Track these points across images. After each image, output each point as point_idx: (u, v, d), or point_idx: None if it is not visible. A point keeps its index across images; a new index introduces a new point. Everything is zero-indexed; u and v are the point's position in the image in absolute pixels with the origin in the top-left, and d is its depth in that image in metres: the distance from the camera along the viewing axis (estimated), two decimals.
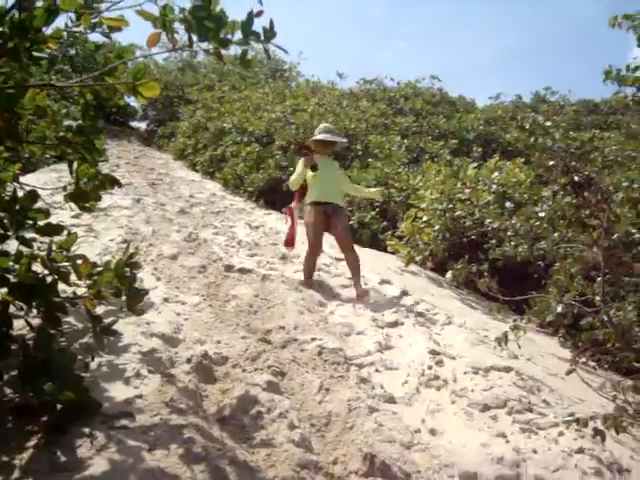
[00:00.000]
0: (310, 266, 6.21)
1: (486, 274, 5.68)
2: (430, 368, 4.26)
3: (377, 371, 4.16)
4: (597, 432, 3.29)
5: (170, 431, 2.82)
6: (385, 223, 9.61)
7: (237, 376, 3.72)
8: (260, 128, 13.75)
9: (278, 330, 4.52)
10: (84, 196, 3.17)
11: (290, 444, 3.03)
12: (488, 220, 6.90)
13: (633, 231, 4.59)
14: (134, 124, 25.52)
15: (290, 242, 6.55)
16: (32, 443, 2.60)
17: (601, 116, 19.34)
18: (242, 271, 6.14)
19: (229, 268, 6.18)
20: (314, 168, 6.11)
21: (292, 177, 6.40)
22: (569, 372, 4.09)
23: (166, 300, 4.82)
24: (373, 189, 7.14)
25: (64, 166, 10.04)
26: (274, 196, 11.49)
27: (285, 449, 2.98)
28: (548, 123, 5.99)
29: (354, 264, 6.10)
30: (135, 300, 3.29)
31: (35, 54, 2.86)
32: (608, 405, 4.08)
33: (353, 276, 6.10)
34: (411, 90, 18.33)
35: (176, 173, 14.13)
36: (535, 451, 3.32)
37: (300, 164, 6.32)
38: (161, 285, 5.23)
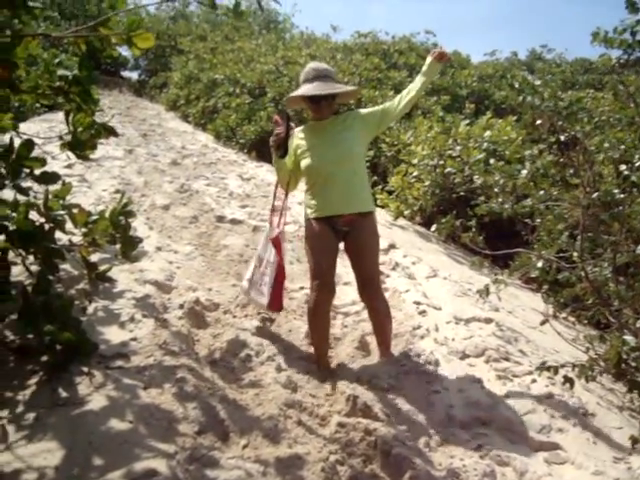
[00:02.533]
0: (318, 327, 3.69)
1: (473, 229, 5.81)
2: (413, 317, 4.43)
3: (362, 320, 4.33)
4: (567, 379, 3.48)
5: (163, 371, 2.98)
6: (375, 178, 9.69)
7: (227, 321, 3.88)
8: (252, 80, 13.68)
9: None
10: (81, 145, 3.26)
11: (277, 385, 3.20)
12: (476, 177, 7.00)
13: (615, 191, 4.71)
14: (125, 74, 25.26)
15: (276, 302, 3.86)
16: (34, 381, 2.76)
17: (596, 75, 19.27)
18: (233, 222, 6.26)
19: (221, 219, 6.30)
20: (282, 152, 3.61)
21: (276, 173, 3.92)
22: (542, 323, 4.28)
23: (159, 249, 4.95)
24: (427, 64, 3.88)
25: (55, 116, 10.00)
26: (266, 148, 11.53)
27: (272, 389, 3.15)
28: (537, 82, 6.03)
29: (381, 315, 3.79)
30: (129, 248, 3.42)
31: (29, 3, 2.91)
32: (581, 356, 4.26)
33: (377, 333, 3.85)
34: (405, 45, 18.14)
35: (168, 124, 14.12)
36: (508, 396, 3.51)
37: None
38: (154, 234, 5.35)
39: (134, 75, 24.65)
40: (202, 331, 3.77)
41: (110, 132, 3.34)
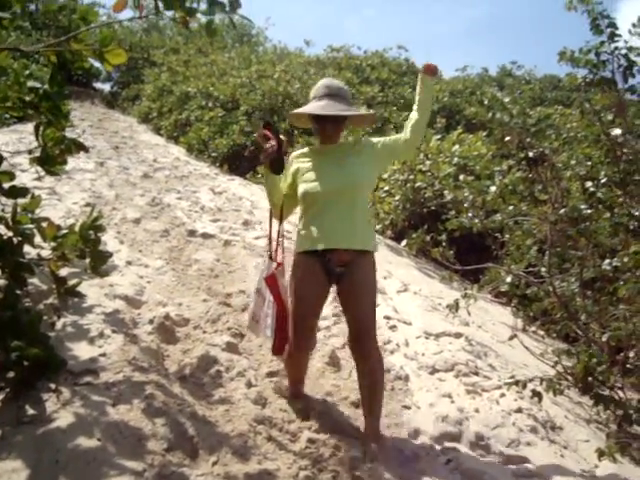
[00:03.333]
0: (293, 371, 3.43)
1: (444, 244, 5.86)
2: (384, 332, 4.45)
3: (333, 335, 4.34)
4: (535, 393, 3.53)
5: (132, 387, 2.95)
6: None
7: (198, 337, 3.87)
8: (225, 93, 13.70)
9: (238, 294, 4.66)
10: (50, 160, 3.24)
11: (247, 401, 3.20)
12: (446, 191, 7.08)
13: (582, 207, 4.79)
14: (98, 85, 25.06)
15: (279, 347, 3.20)
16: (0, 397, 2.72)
17: (565, 92, 19.60)
18: (205, 236, 6.23)
19: (192, 233, 6.27)
20: (277, 168, 3.16)
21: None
22: (511, 338, 4.34)
23: (129, 263, 4.91)
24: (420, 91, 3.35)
25: (25, 127, 9.86)
26: (238, 162, 11.54)
27: (242, 405, 3.15)
28: (507, 99, 6.14)
29: (374, 377, 3.17)
30: (99, 262, 3.39)
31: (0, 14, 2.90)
32: (550, 370, 4.31)
33: (366, 401, 3.20)
34: (378, 59, 18.32)
35: (140, 137, 14.05)
36: (477, 410, 3.54)
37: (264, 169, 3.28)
38: (124, 248, 5.31)
39: (106, 87, 24.48)
40: (172, 346, 3.74)
41: (80, 147, 3.33)
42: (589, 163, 5.38)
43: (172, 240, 5.97)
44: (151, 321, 3.86)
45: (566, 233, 4.55)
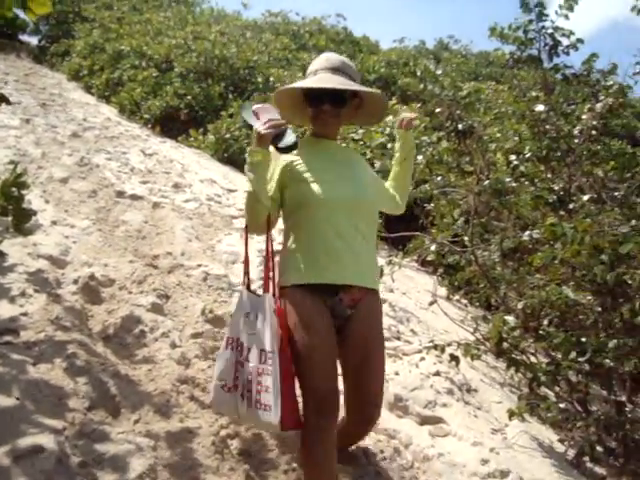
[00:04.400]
0: (322, 466, 2.32)
1: None
2: None
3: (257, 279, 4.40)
4: (452, 357, 3.69)
5: (54, 347, 2.93)
6: None
7: (123, 297, 3.85)
8: (160, 53, 13.38)
9: (165, 256, 4.63)
10: None
11: (171, 361, 3.22)
12: (376, 161, 7.17)
13: (506, 179, 4.95)
14: (24, 38, 24.03)
15: (292, 417, 2.30)
16: None
17: (498, 69, 19.95)
18: (133, 197, 6.15)
19: (120, 194, 6.17)
20: (282, 144, 2.35)
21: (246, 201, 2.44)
22: (431, 303, 4.48)
23: (54, 223, 4.81)
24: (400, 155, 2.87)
25: None
26: (171, 124, 11.37)
27: (166, 365, 3.17)
28: (439, 71, 6.24)
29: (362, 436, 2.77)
30: (22, 220, 3.32)
31: None
32: (470, 337, 4.49)
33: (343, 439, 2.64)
34: (316, 26, 18.25)
35: (70, 95, 13.59)
36: (397, 373, 3.67)
37: (249, 157, 2.35)
38: (50, 208, 5.19)
39: (34, 40, 23.51)
40: (96, 307, 3.71)
41: (2, 100, 3.23)
42: (517, 138, 5.57)
43: (100, 201, 5.86)
44: (75, 281, 3.81)
45: (490, 204, 4.71)
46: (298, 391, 2.36)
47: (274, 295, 2.39)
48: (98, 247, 4.66)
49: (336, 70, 2.49)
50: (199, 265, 4.52)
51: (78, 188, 6.04)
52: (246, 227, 2.50)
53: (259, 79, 12.56)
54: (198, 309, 3.84)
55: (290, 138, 2.33)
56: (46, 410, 2.49)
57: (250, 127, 2.37)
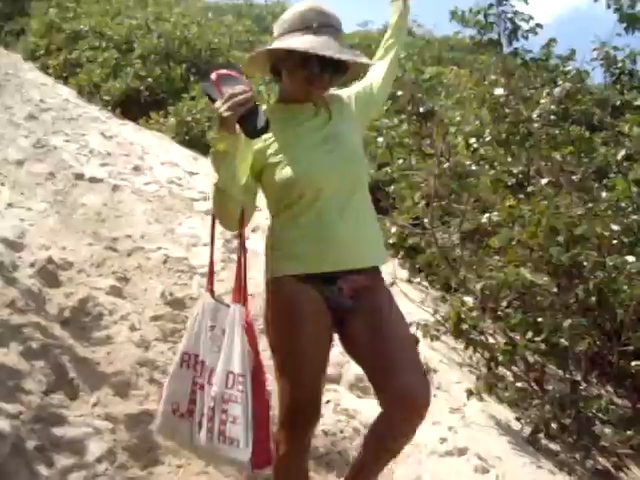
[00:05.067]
0: None
1: None
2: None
3: (220, 280, 4.37)
4: None
5: (10, 330, 2.89)
6: None
7: (81, 280, 3.80)
8: (120, 34, 13.13)
9: (125, 238, 4.58)
10: None
11: (130, 344, 3.20)
12: None
13: (467, 162, 5.00)
14: None
15: (264, 454, 1.92)
16: None
17: (462, 53, 20.06)
18: (92, 180, 6.04)
19: (79, 176, 6.06)
20: (252, 127, 1.84)
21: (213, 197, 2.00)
22: (390, 285, 4.51)
23: (10, 205, 4.72)
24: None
25: None
26: (131, 106, 11.19)
27: (125, 348, 3.15)
28: (402, 54, 6.26)
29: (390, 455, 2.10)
30: None
31: None
32: (430, 318, 4.54)
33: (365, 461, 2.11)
34: (279, 8, 18.09)
35: (26, 75, 13.27)
36: None
37: (212, 146, 1.93)
38: (5, 190, 5.08)
39: None
40: (54, 290, 3.65)
41: None
42: (477, 122, 5.62)
43: (57, 183, 5.76)
44: (32, 264, 3.75)
45: (450, 187, 4.75)
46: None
47: (245, 304, 1.98)
48: (56, 230, 4.58)
49: (333, 28, 2.06)
50: (159, 248, 4.48)
51: (35, 170, 5.92)
52: (213, 218, 2.09)
53: (221, 61, 12.43)
54: (158, 292, 3.81)
55: (261, 119, 1.85)
56: (1, 394, 2.46)
57: (210, 99, 1.90)
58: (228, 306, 1.99)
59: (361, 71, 2.34)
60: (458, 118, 5.46)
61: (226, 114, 1.79)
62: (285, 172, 2.00)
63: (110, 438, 2.45)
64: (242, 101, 1.79)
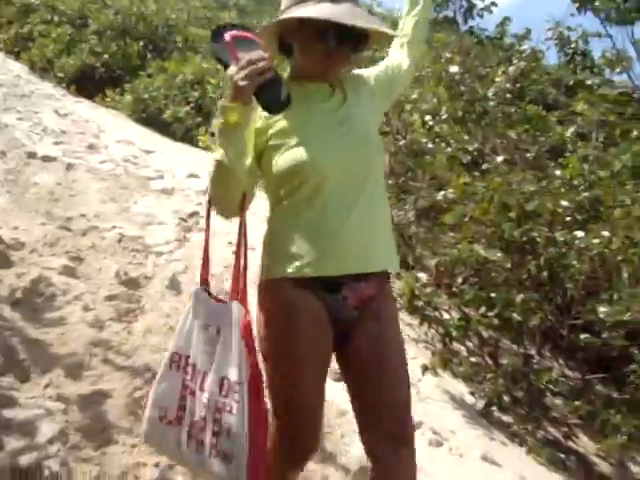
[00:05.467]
0: None
1: None
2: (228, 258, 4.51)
3: (175, 260, 4.35)
4: None
5: None
6: (199, 119, 9.58)
7: (33, 261, 3.73)
8: (73, 8, 12.83)
9: (79, 218, 4.51)
10: None
11: (83, 324, 3.16)
12: None
13: (424, 140, 5.03)
14: None
15: (262, 475, 1.68)
16: None
17: None
18: (46, 159, 5.92)
19: (32, 155, 5.93)
20: (273, 99, 1.61)
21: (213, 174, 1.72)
22: None
23: None
24: None
25: None
26: (87, 83, 10.97)
27: (78, 329, 3.10)
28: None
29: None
30: None
31: None
32: None
33: None
34: None
35: None
36: None
37: (221, 116, 1.63)
38: None
39: None
40: (5, 271, 3.58)
41: None
42: (435, 100, 5.65)
43: (9, 162, 5.63)
44: None
45: (406, 165, 4.78)
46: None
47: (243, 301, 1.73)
48: (7, 210, 4.48)
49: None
50: (114, 227, 4.43)
51: None
52: (209, 203, 1.82)
53: (178, 38, 12.25)
54: (112, 271, 3.77)
55: (282, 91, 1.62)
56: None
57: (222, 64, 1.68)
58: (225, 302, 1.77)
59: (382, 43, 2.11)
60: (414, 96, 5.47)
61: (242, 83, 1.57)
62: (292, 154, 1.74)
63: (62, 419, 2.42)
64: (261, 69, 1.57)
